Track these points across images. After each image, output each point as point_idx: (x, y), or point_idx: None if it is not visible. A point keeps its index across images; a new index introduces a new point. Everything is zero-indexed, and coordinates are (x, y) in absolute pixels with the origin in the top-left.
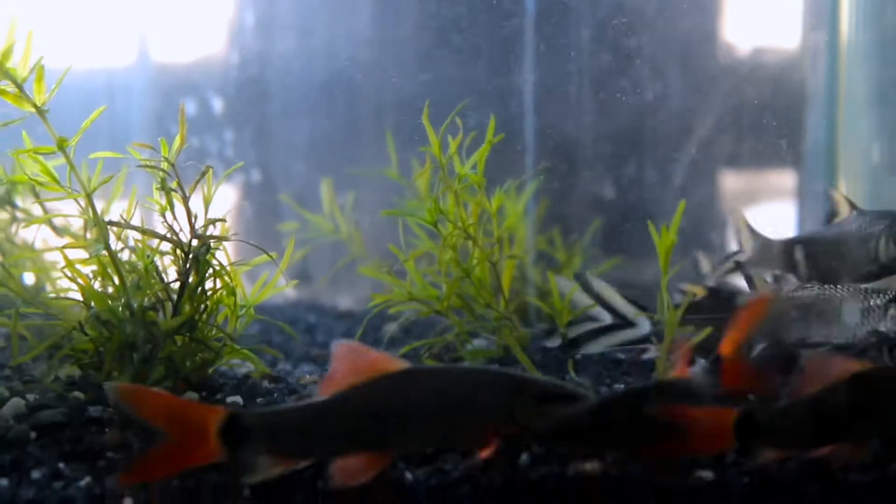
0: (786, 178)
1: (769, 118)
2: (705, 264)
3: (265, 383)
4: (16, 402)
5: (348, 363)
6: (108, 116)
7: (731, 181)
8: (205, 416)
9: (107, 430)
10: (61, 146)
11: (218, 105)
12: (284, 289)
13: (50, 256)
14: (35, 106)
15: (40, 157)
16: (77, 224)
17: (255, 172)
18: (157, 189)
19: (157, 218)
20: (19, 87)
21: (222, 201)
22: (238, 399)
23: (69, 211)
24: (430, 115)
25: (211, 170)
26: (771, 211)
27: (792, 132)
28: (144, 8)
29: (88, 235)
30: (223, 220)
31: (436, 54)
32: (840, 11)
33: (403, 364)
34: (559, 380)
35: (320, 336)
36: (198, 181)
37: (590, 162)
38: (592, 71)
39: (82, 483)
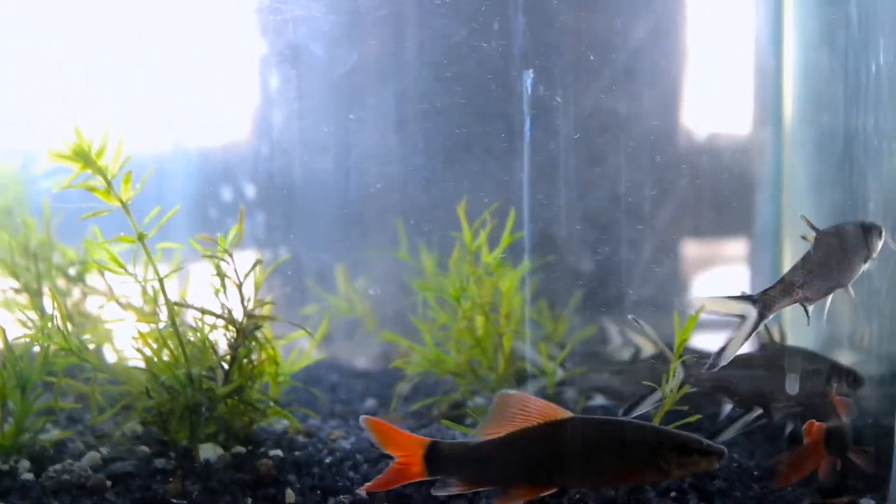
0: (740, 250)
1: (725, 199)
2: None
3: (300, 438)
4: (92, 455)
5: (516, 408)
6: (155, 199)
7: (692, 251)
8: (415, 443)
9: (170, 479)
10: (140, 238)
11: (250, 190)
12: (316, 360)
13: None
14: (121, 201)
15: (108, 246)
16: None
17: (283, 252)
18: (213, 275)
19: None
20: (109, 183)
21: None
22: (279, 452)
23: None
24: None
25: (261, 262)
26: (726, 276)
27: (744, 212)
28: (177, 97)
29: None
30: (270, 303)
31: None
32: (784, 110)
33: (566, 413)
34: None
35: (342, 393)
36: (251, 270)
37: (572, 245)
38: (573, 163)
39: None
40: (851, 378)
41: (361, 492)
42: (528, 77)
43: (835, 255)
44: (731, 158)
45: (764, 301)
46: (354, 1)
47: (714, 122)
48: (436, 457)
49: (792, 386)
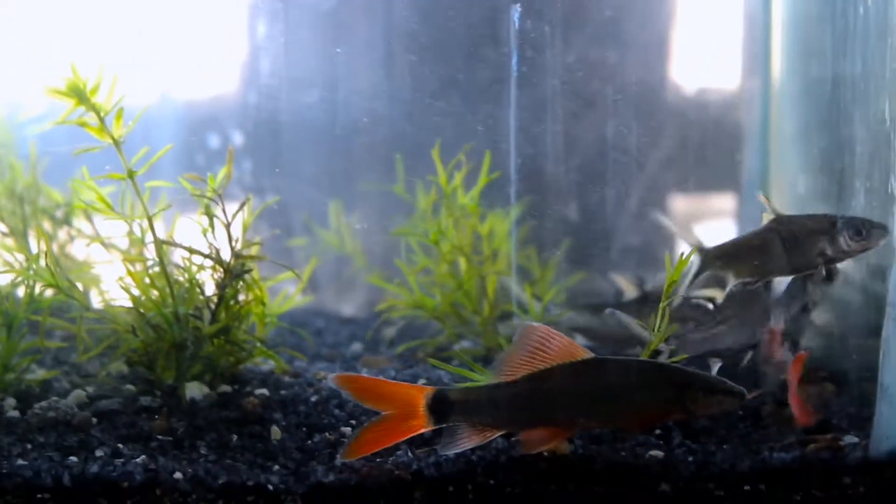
0: (726, 203)
1: (712, 151)
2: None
3: (286, 378)
4: (78, 393)
5: (537, 343)
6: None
7: (680, 205)
8: (415, 394)
9: (156, 417)
10: (130, 175)
11: (238, 138)
12: (303, 302)
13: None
14: (113, 138)
15: (95, 185)
16: (123, 242)
17: (270, 197)
18: (201, 213)
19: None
20: (102, 120)
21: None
22: (265, 391)
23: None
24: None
25: (250, 199)
26: (714, 229)
27: (731, 163)
28: (164, 47)
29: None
30: (258, 244)
31: (437, 105)
32: (772, 61)
33: (588, 352)
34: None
35: (328, 338)
36: (239, 209)
37: (559, 191)
38: (562, 113)
39: (139, 460)
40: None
41: (346, 429)
42: (516, 12)
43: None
44: (719, 109)
45: (706, 253)
46: None
47: (702, 72)
48: (442, 405)
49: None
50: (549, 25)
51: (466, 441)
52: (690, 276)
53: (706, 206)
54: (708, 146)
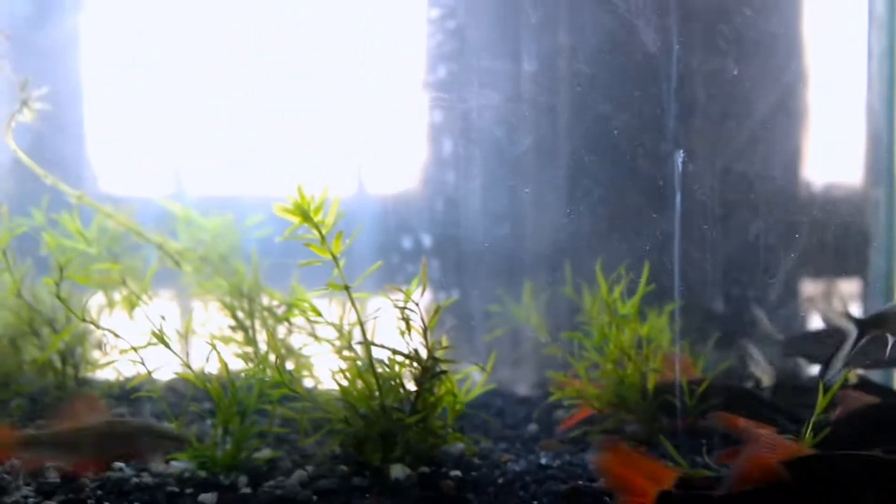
0: (856, 293)
1: (841, 251)
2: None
3: (475, 459)
4: (300, 473)
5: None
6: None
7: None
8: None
9: (366, 495)
10: (346, 287)
11: (427, 240)
12: (489, 389)
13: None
14: (332, 254)
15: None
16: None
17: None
18: (399, 319)
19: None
20: (323, 237)
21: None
22: (458, 472)
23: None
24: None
25: (441, 308)
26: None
27: (860, 263)
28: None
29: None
30: (448, 347)
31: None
32: (895, 172)
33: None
34: None
35: (508, 419)
36: (433, 317)
37: (711, 289)
38: (711, 217)
39: None
40: None
41: None
42: (680, 156)
43: None
44: (848, 213)
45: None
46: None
47: (833, 183)
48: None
49: None
50: (705, 162)
51: None
52: (850, 344)
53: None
54: (839, 244)
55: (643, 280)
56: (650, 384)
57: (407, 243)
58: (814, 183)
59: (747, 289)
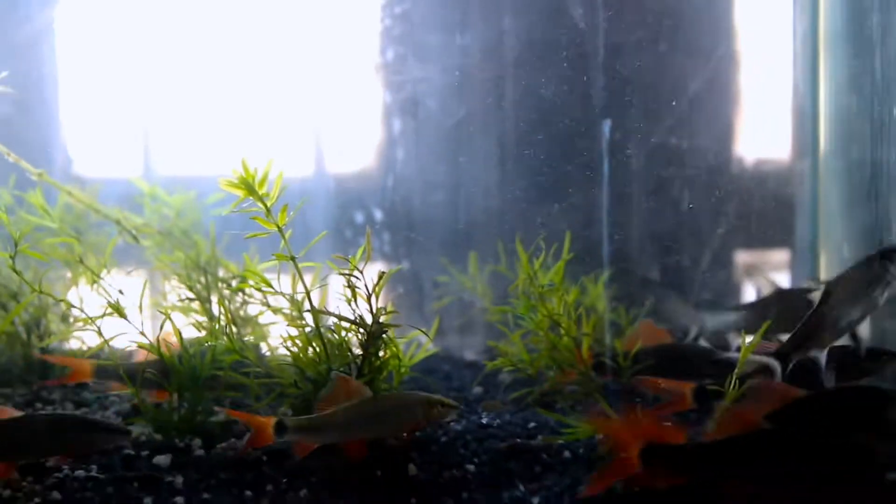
0: (783, 261)
1: (769, 220)
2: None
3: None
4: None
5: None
6: (300, 218)
7: (743, 262)
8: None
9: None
10: (292, 258)
11: (378, 214)
12: (433, 353)
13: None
14: (277, 226)
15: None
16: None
17: (405, 263)
18: (345, 286)
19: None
20: (268, 209)
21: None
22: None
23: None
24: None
25: (390, 272)
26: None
27: (786, 232)
28: (320, 124)
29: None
30: (394, 312)
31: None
32: (819, 145)
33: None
34: None
35: (455, 382)
36: (377, 285)
37: (642, 254)
38: (645, 185)
39: (301, 493)
40: None
41: (470, 466)
42: (607, 125)
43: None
44: (775, 185)
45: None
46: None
47: (760, 155)
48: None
49: None
50: (633, 132)
51: None
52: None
53: (766, 262)
54: (767, 214)
55: (565, 248)
56: (584, 347)
57: (360, 218)
58: (744, 156)
59: (680, 257)
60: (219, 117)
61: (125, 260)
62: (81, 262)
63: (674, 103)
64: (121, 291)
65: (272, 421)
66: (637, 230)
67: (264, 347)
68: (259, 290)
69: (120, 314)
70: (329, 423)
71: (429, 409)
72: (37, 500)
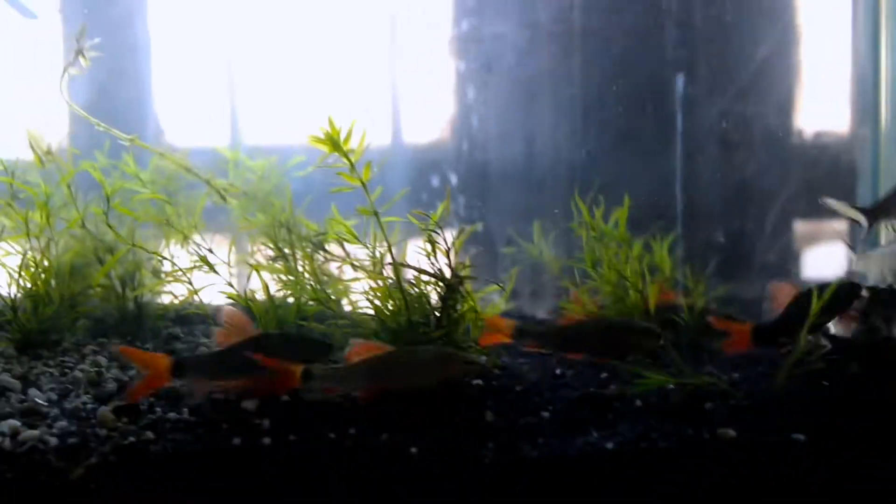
0: (843, 229)
1: (831, 186)
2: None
3: (496, 371)
4: None
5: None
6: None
7: (805, 229)
8: None
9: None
10: (375, 213)
11: (454, 178)
12: (507, 309)
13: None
14: (361, 181)
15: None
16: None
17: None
18: (425, 241)
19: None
20: (352, 165)
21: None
22: (480, 381)
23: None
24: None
25: (469, 230)
26: (831, 251)
27: (847, 196)
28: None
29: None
30: (470, 266)
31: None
32: (881, 112)
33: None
34: None
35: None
36: (457, 238)
37: (710, 219)
38: (714, 152)
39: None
40: None
41: (545, 413)
42: (680, 80)
43: None
44: (836, 152)
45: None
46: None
47: (822, 123)
48: None
49: None
50: (706, 90)
51: None
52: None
53: (826, 230)
54: (828, 182)
55: (625, 206)
56: (651, 301)
57: (435, 182)
58: (806, 122)
59: (746, 222)
60: (302, 90)
61: (212, 222)
62: (169, 223)
63: (745, 69)
64: (210, 250)
65: (300, 368)
66: (703, 193)
67: (345, 303)
68: (342, 246)
69: (210, 267)
70: (353, 373)
71: (449, 365)
72: (131, 438)
